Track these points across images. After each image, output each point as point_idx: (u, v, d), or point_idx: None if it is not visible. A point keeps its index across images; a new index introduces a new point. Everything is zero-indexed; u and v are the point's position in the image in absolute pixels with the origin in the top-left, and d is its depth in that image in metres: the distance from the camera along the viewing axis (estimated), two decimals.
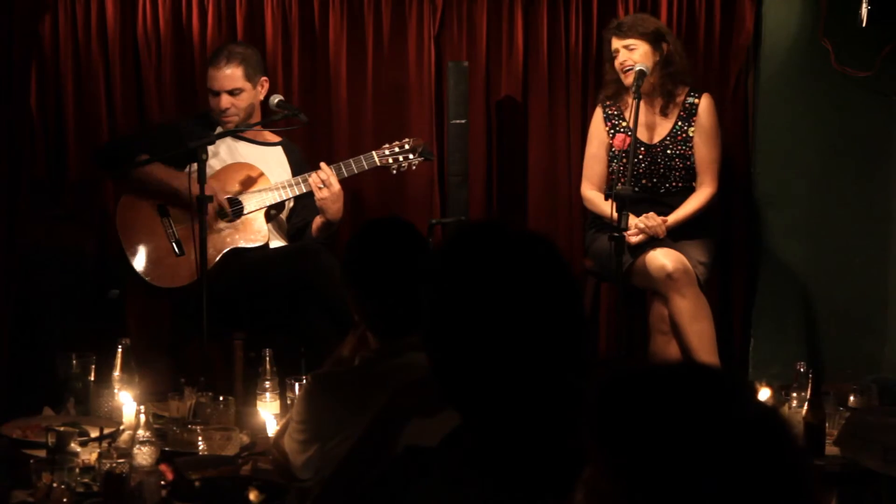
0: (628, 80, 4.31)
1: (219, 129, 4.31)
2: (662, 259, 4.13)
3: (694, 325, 4.10)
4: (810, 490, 1.20)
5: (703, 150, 4.40)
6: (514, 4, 4.91)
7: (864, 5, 4.58)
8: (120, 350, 3.63)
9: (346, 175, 4.27)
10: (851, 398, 3.84)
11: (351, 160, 4.30)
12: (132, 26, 4.76)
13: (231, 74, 4.29)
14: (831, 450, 3.36)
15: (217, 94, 4.30)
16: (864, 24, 4.62)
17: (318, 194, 4.18)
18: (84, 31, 4.74)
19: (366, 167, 4.31)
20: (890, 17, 4.59)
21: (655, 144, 4.38)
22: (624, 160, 4.33)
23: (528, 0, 4.92)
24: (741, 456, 1.16)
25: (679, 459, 1.16)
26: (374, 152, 4.34)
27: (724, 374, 1.27)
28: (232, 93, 4.29)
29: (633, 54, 4.30)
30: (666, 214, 4.35)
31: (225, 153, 4.34)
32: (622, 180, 4.04)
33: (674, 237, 4.27)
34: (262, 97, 4.38)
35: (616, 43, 4.35)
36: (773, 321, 4.98)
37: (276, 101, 4.31)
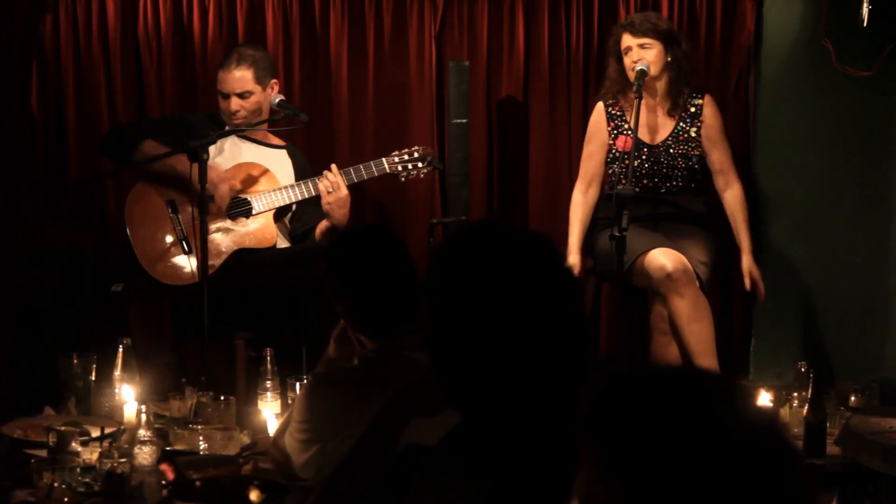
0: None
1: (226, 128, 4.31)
2: (662, 259, 4.12)
3: (692, 325, 4.09)
4: (806, 494, 1.20)
5: (720, 151, 4.43)
6: (515, 4, 4.91)
7: (865, 5, 4.59)
8: (121, 349, 3.63)
9: (354, 181, 4.27)
10: (852, 398, 3.84)
11: (361, 166, 4.30)
12: (133, 26, 4.76)
13: (241, 77, 4.29)
14: (832, 450, 3.36)
15: (227, 96, 4.31)
16: (864, 24, 4.62)
17: (326, 198, 4.19)
18: (85, 30, 4.74)
19: (375, 173, 4.32)
20: (891, 16, 4.59)
21: (658, 144, 4.38)
22: (626, 161, 4.33)
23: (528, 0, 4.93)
24: (738, 461, 1.16)
25: (675, 464, 1.16)
26: (383, 159, 4.34)
27: (721, 378, 1.27)
28: (241, 95, 4.29)
29: (646, 53, 4.28)
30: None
31: (230, 153, 4.34)
32: (623, 181, 4.04)
33: (675, 237, 4.27)
34: (270, 99, 4.37)
35: (629, 41, 4.30)
36: (774, 321, 4.98)
37: (276, 100, 4.32)
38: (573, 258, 4.39)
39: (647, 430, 1.18)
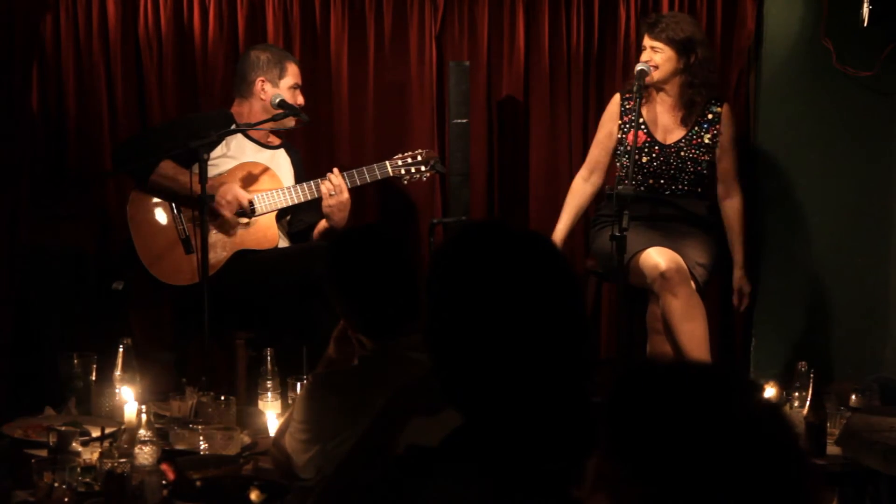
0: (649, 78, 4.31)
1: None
2: (656, 258, 4.11)
3: (685, 324, 4.07)
4: (811, 486, 1.22)
5: (729, 160, 4.45)
6: (516, 4, 4.91)
7: (866, 5, 4.59)
8: (121, 349, 3.63)
9: (358, 184, 4.28)
10: (853, 398, 3.84)
11: (364, 169, 4.30)
12: (133, 26, 4.76)
13: None
14: (832, 449, 3.37)
15: (299, 87, 4.41)
16: (865, 24, 4.63)
17: (327, 201, 4.20)
18: (85, 30, 4.74)
19: (378, 177, 4.32)
20: (891, 16, 4.59)
21: (670, 145, 4.37)
22: (635, 156, 4.30)
23: None
24: (747, 452, 1.20)
25: (688, 455, 1.20)
26: (387, 162, 4.34)
27: (731, 372, 1.30)
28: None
29: (656, 56, 4.29)
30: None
31: (235, 152, 4.34)
32: (625, 182, 4.03)
33: (674, 238, 4.26)
34: (271, 98, 4.36)
35: (646, 40, 4.32)
36: (775, 321, 4.98)
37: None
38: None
39: (662, 422, 1.22)
